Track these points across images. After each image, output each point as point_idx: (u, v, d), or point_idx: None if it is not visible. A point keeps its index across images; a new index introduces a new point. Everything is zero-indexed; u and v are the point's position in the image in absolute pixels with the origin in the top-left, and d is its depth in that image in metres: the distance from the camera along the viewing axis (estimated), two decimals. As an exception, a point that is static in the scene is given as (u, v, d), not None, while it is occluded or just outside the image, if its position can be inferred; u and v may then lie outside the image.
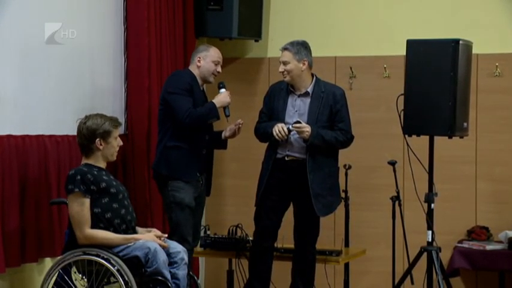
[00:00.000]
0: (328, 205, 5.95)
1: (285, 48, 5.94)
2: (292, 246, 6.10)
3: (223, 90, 5.92)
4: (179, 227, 5.79)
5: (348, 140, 5.98)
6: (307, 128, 5.78)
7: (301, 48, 5.91)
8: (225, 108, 5.90)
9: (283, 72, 5.93)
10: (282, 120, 5.91)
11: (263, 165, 6.04)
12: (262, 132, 5.97)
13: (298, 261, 6.05)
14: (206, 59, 5.90)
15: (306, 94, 5.96)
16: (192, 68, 5.94)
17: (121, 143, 5.31)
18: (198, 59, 5.90)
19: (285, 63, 5.91)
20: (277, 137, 5.82)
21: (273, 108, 6.01)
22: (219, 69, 5.94)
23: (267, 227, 5.99)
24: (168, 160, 5.82)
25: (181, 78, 5.84)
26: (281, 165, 5.93)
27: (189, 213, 5.81)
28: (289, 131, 5.83)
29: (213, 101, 5.84)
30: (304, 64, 5.91)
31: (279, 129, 5.81)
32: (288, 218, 6.06)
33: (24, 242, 5.31)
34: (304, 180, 5.85)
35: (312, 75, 6.01)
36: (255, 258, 6.07)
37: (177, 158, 5.79)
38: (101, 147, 5.18)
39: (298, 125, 5.79)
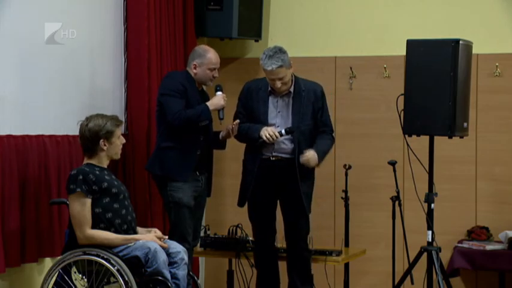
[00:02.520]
0: (310, 203, 6.00)
1: (279, 66, 5.74)
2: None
3: (219, 93, 5.87)
4: (178, 227, 5.79)
5: (333, 138, 6.03)
6: (313, 159, 5.80)
7: (285, 56, 5.79)
8: (219, 111, 5.87)
9: (280, 87, 5.82)
10: (265, 122, 5.87)
11: (246, 166, 5.99)
12: (245, 134, 5.91)
13: (293, 260, 6.03)
14: (202, 67, 5.84)
15: (288, 94, 5.93)
16: (189, 70, 5.92)
17: (124, 141, 5.31)
18: (194, 65, 5.85)
19: (282, 79, 5.80)
20: (267, 141, 5.80)
21: (252, 109, 5.95)
22: (216, 74, 5.89)
23: (264, 223, 6.00)
24: (162, 161, 5.82)
25: (175, 79, 5.82)
26: (267, 165, 5.91)
27: (188, 212, 5.81)
28: (281, 134, 5.82)
29: (207, 103, 5.81)
30: (291, 68, 5.87)
31: (269, 133, 5.78)
32: (280, 219, 6.06)
33: (24, 242, 5.30)
34: (292, 178, 5.85)
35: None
36: (260, 256, 6.07)
37: (170, 159, 5.79)
38: (105, 148, 5.18)
39: (304, 159, 5.78)
